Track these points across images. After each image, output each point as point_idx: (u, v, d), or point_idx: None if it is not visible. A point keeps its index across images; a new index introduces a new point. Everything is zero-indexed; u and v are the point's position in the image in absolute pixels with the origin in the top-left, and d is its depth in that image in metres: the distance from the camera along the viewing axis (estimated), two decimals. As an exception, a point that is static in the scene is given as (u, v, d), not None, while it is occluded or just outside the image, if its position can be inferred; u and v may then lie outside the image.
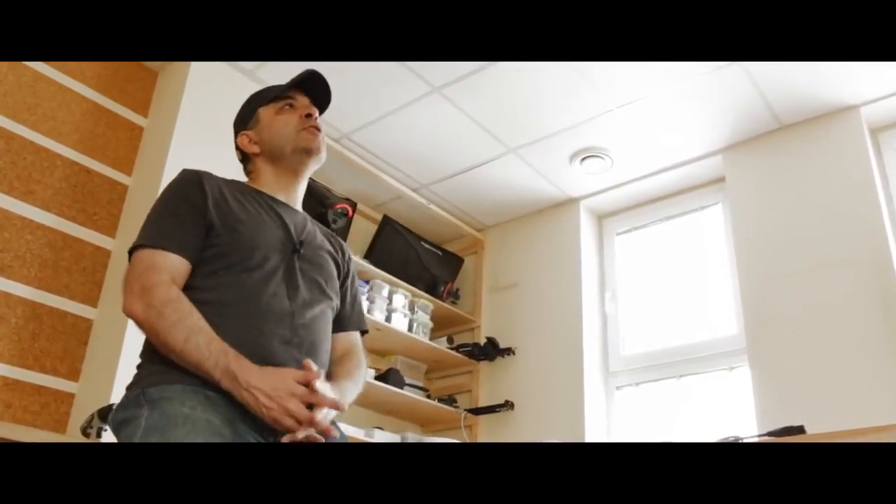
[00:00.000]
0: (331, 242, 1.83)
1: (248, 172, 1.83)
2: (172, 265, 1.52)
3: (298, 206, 1.81)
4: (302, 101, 1.82)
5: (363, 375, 1.74)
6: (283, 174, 1.78)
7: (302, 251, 1.67)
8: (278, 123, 1.77)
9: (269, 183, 1.77)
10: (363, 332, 1.87)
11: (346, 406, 1.51)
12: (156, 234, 1.56)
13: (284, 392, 1.40)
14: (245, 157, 1.84)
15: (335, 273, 1.77)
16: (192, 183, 1.63)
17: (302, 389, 1.42)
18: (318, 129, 1.78)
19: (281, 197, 1.76)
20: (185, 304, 1.46)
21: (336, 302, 1.75)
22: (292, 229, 1.69)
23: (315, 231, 1.79)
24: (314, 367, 1.47)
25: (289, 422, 1.39)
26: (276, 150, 1.77)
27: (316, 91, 1.85)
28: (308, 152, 1.76)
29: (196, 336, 1.41)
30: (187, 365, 1.41)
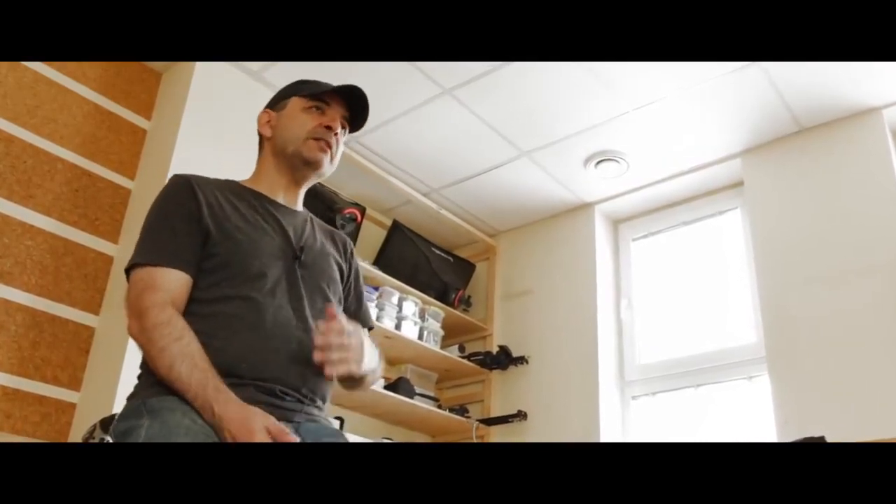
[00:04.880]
0: (333, 240, 1.80)
1: (258, 155, 1.80)
2: (171, 282, 1.50)
3: (298, 206, 1.77)
4: (334, 111, 1.75)
5: (379, 356, 1.72)
6: (283, 172, 1.74)
7: (302, 258, 1.64)
8: (296, 121, 1.72)
9: (269, 178, 1.74)
10: (369, 330, 1.83)
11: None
12: (151, 250, 1.54)
13: (248, 431, 1.32)
14: (260, 137, 1.80)
15: (338, 276, 1.74)
16: (184, 191, 1.60)
17: (267, 435, 1.33)
18: (329, 146, 1.71)
19: (279, 197, 1.73)
20: (176, 329, 1.44)
21: (340, 306, 1.73)
22: (291, 234, 1.66)
23: (315, 232, 1.75)
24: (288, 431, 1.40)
25: None
26: (280, 144, 1.73)
27: (354, 107, 1.78)
28: (306, 163, 1.71)
29: (180, 364, 1.39)
30: (174, 390, 1.39)
